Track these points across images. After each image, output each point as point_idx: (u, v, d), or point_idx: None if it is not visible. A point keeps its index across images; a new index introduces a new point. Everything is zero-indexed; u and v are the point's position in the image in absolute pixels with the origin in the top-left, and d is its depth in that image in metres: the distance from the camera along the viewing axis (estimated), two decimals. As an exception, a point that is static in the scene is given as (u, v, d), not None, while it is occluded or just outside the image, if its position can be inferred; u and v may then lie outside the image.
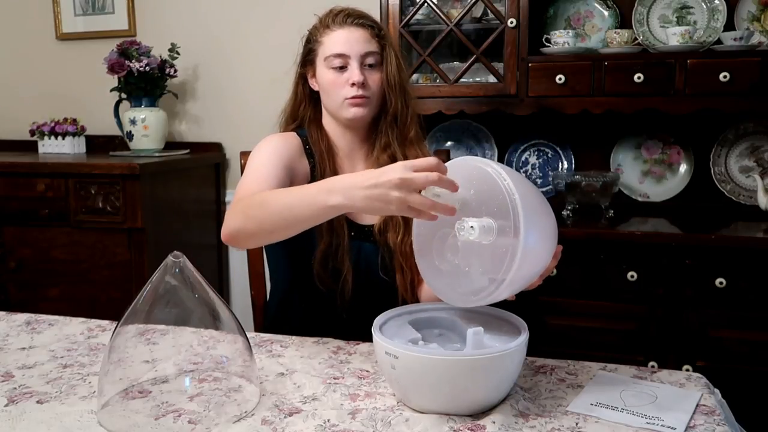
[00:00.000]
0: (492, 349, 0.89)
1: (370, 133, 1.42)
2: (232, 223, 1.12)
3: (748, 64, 1.81)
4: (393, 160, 1.36)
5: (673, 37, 1.94)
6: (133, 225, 2.16)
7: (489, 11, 2.04)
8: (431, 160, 0.91)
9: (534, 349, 1.05)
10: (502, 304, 0.99)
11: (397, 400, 0.95)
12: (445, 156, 1.80)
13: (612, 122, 2.18)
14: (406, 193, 0.90)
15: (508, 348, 0.89)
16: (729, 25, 2.04)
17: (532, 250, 0.89)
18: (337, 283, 1.33)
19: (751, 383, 1.72)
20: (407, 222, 1.28)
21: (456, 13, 2.08)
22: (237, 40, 2.59)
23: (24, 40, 2.86)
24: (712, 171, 2.13)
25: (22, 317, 1.35)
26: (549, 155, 2.30)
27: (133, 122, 2.48)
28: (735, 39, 1.90)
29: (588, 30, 2.22)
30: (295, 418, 0.90)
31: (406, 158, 1.36)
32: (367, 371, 1.06)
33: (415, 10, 2.07)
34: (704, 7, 2.08)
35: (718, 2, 2.06)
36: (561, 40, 2.03)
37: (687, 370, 1.65)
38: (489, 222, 0.89)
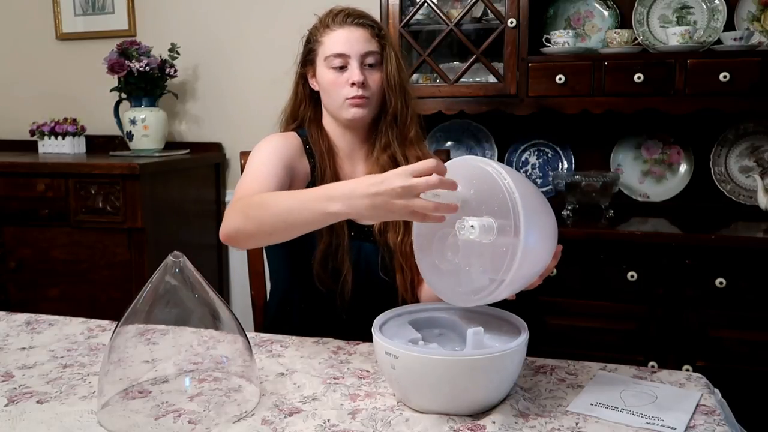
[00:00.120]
0: (492, 349, 0.89)
1: (370, 133, 1.41)
2: (231, 222, 1.11)
3: (748, 64, 1.81)
4: (393, 160, 1.36)
5: (673, 37, 1.94)
6: (133, 225, 2.16)
7: (489, 11, 2.04)
8: (430, 162, 0.91)
9: (534, 349, 1.05)
10: (502, 304, 0.99)
11: (397, 400, 0.95)
12: (445, 156, 1.80)
13: (612, 122, 2.18)
14: (408, 199, 0.90)
15: (508, 348, 0.89)
16: (729, 25, 2.04)
17: (532, 250, 0.89)
18: (337, 284, 1.33)
19: (751, 383, 1.72)
20: (407, 222, 1.28)
21: (456, 13, 2.08)
22: (237, 40, 2.59)
23: (24, 40, 2.86)
24: (712, 171, 2.13)
25: (22, 317, 1.35)
26: (549, 155, 2.30)
27: (133, 122, 2.48)
28: (735, 39, 1.90)
29: (588, 30, 2.22)
30: (295, 418, 0.90)
31: (406, 158, 1.36)
32: (367, 371, 1.06)
33: (415, 10, 2.07)
34: (704, 7, 2.08)
35: (718, 2, 2.06)
36: (561, 40, 2.03)
37: (687, 370, 1.65)
38: (489, 221, 0.89)
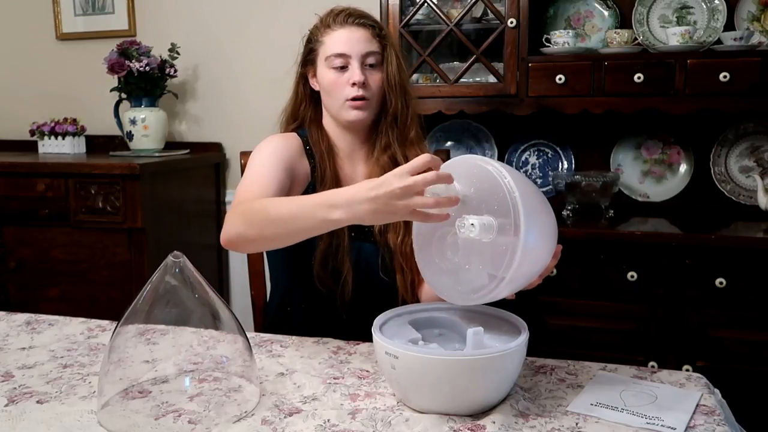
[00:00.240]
0: (492, 349, 0.89)
1: (370, 134, 1.41)
2: (232, 228, 1.11)
3: (748, 64, 1.81)
4: (393, 160, 1.36)
5: (673, 37, 1.94)
6: (133, 225, 2.16)
7: (489, 11, 2.04)
8: (424, 157, 0.91)
9: (534, 349, 1.05)
10: (502, 304, 0.99)
11: (397, 400, 0.95)
12: (445, 156, 1.80)
13: (612, 122, 2.18)
14: (408, 199, 0.90)
15: (508, 348, 0.89)
16: (729, 25, 2.04)
17: (532, 249, 0.89)
18: (337, 284, 1.33)
19: (751, 383, 1.72)
20: (407, 222, 1.28)
21: (456, 13, 2.08)
22: (237, 40, 2.59)
23: (24, 40, 2.86)
24: (712, 171, 2.13)
25: (22, 317, 1.35)
26: (549, 155, 2.30)
27: (133, 122, 2.48)
28: (735, 39, 1.90)
29: (588, 30, 2.22)
30: (295, 418, 0.90)
31: (406, 159, 1.36)
32: (367, 371, 1.06)
33: (415, 10, 2.07)
34: (704, 7, 2.08)
35: (718, 2, 2.06)
36: (561, 40, 2.03)
37: (687, 370, 1.65)
38: (489, 220, 0.89)
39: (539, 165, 2.31)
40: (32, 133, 2.64)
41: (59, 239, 2.24)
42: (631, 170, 2.22)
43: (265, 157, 1.30)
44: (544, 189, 2.28)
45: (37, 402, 0.96)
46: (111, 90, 2.52)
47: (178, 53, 2.53)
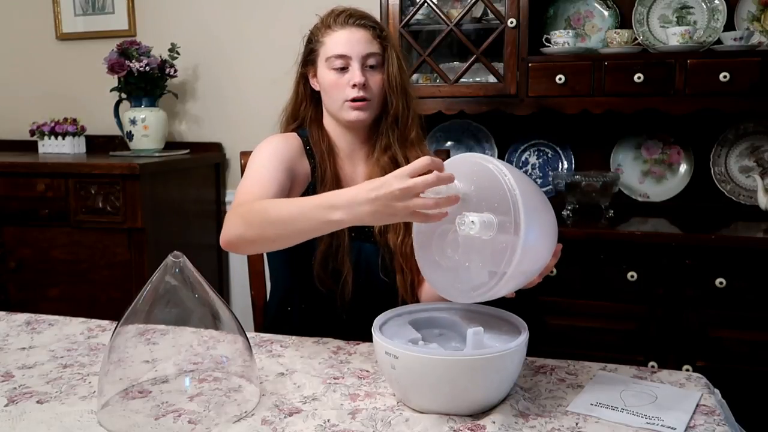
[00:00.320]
0: (492, 349, 0.89)
1: (370, 134, 1.41)
2: (232, 229, 1.11)
3: (748, 64, 1.81)
4: (394, 161, 1.36)
5: (673, 37, 1.94)
6: (133, 225, 2.16)
7: (489, 11, 2.04)
8: (425, 160, 0.91)
9: (534, 349, 1.05)
10: (502, 304, 0.99)
11: (397, 400, 0.95)
12: (445, 155, 1.80)
13: (612, 122, 2.18)
14: (407, 200, 0.90)
15: (508, 348, 0.89)
16: (729, 25, 2.04)
17: (532, 247, 0.89)
18: (337, 284, 1.33)
19: (751, 383, 1.72)
20: (408, 223, 1.28)
21: (456, 13, 2.08)
22: (237, 40, 2.59)
23: (24, 40, 2.86)
24: (712, 171, 2.13)
25: (22, 317, 1.35)
26: (549, 155, 2.30)
27: (133, 122, 2.48)
28: (735, 39, 1.90)
29: (588, 30, 2.22)
30: (295, 418, 0.90)
31: (407, 160, 1.35)
32: (367, 371, 1.06)
33: (415, 10, 2.07)
34: (704, 7, 2.08)
35: (718, 2, 2.06)
36: (561, 40, 2.03)
37: (687, 370, 1.65)
38: (490, 217, 0.89)
39: (539, 165, 2.31)
40: (32, 133, 2.64)
41: (59, 239, 2.24)
42: (631, 170, 2.22)
43: (265, 157, 1.30)
44: (544, 189, 2.28)
45: (37, 402, 0.96)
46: (111, 90, 2.52)
47: (178, 53, 2.53)
